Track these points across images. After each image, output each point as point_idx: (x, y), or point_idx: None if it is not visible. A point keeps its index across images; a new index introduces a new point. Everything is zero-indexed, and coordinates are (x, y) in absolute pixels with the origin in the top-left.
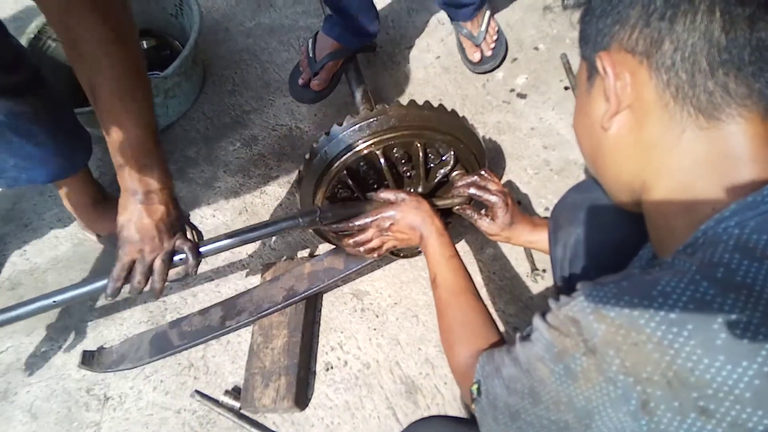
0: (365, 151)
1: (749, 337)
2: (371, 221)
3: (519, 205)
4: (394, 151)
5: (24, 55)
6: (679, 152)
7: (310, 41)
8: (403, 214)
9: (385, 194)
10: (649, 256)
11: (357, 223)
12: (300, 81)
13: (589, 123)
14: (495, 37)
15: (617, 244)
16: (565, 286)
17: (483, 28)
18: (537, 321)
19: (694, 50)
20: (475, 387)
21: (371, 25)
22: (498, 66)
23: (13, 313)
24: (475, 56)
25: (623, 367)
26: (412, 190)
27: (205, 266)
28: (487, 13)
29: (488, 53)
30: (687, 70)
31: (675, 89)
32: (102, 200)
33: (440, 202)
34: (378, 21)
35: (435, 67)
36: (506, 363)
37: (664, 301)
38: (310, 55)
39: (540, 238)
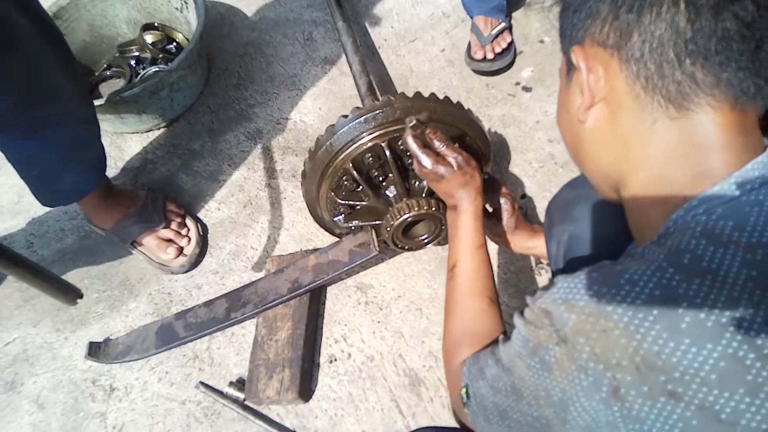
0: (370, 144)
1: (713, 321)
2: (420, 158)
3: (524, 198)
4: (400, 143)
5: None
6: (651, 143)
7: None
8: (450, 179)
9: (451, 153)
10: (637, 251)
11: (411, 146)
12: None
13: (568, 117)
14: (503, 47)
15: (610, 239)
16: None
17: (494, 33)
18: (516, 318)
19: (661, 41)
20: (464, 391)
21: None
22: (495, 73)
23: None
24: (478, 54)
25: (593, 355)
26: (418, 183)
27: (209, 258)
28: (503, 24)
29: (490, 55)
30: (655, 61)
31: (645, 80)
32: (108, 194)
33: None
34: None
35: (440, 60)
36: (489, 364)
37: (631, 288)
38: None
39: (538, 244)
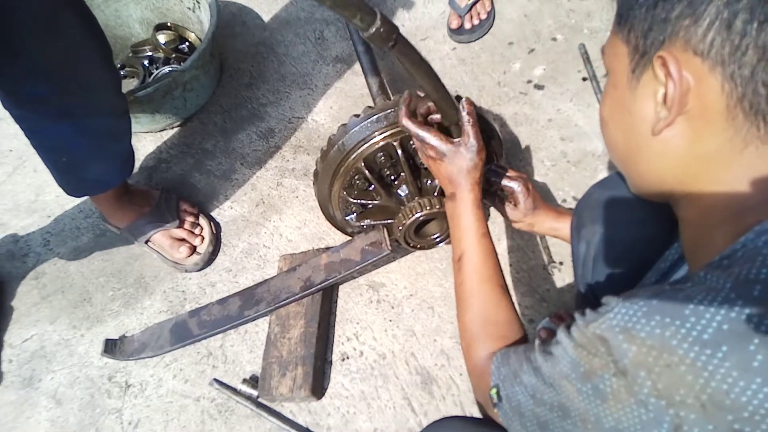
0: (382, 143)
1: None
2: (421, 135)
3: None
4: (412, 142)
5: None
6: (736, 166)
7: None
8: (452, 161)
9: (468, 120)
10: (675, 257)
11: (409, 126)
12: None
13: (629, 121)
14: (483, 17)
15: (643, 243)
16: (587, 289)
17: (470, 2)
18: (561, 336)
19: None
20: (494, 391)
21: None
22: (473, 41)
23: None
24: (454, 23)
25: (655, 390)
26: (430, 182)
27: (222, 256)
28: None
29: (467, 26)
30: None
31: (749, 104)
32: (124, 193)
33: None
34: None
35: (451, 59)
36: (525, 370)
37: (697, 320)
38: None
39: (564, 225)
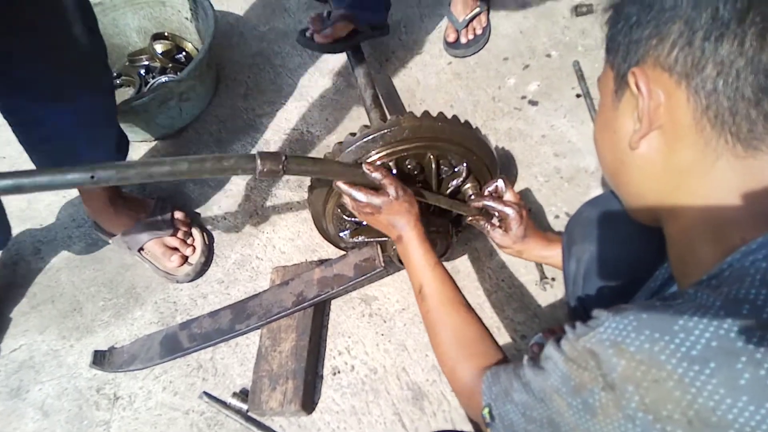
0: (378, 162)
1: None
2: (353, 195)
3: (530, 212)
4: (407, 162)
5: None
6: (710, 179)
7: (326, 12)
8: (389, 210)
9: (385, 180)
10: (665, 276)
11: (340, 186)
12: (307, 33)
13: (614, 139)
14: (478, 32)
15: (633, 261)
16: (577, 304)
17: (468, 17)
18: (551, 350)
19: (739, 76)
20: (486, 411)
21: (378, 5)
22: (468, 55)
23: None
24: (451, 37)
25: (642, 405)
26: (424, 202)
27: (215, 268)
28: (478, 9)
29: (463, 40)
30: (729, 97)
31: (714, 115)
32: (117, 201)
33: (458, 207)
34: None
35: (446, 73)
36: (516, 388)
37: (686, 337)
38: (324, 15)
39: (553, 253)
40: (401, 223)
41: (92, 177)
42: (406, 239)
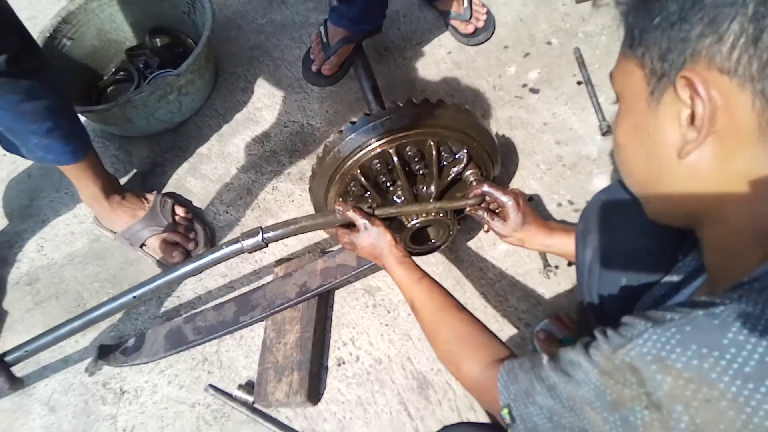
0: (379, 150)
1: None
2: (337, 234)
3: (531, 201)
4: (408, 149)
5: (35, 44)
6: (766, 186)
7: (322, 28)
8: (361, 243)
9: (350, 214)
10: (689, 270)
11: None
12: (313, 68)
13: (650, 145)
14: (484, 10)
15: (652, 250)
16: (591, 294)
17: (466, 4)
18: (580, 357)
19: None
20: (505, 411)
21: (380, 12)
22: (490, 37)
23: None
24: (469, 28)
25: (693, 425)
26: (425, 189)
27: None
28: None
29: (480, 25)
30: None
31: None
32: (116, 193)
33: (453, 203)
34: (386, 6)
35: (446, 63)
36: (538, 390)
37: (738, 352)
38: (324, 41)
39: (556, 242)
40: (376, 250)
41: (134, 297)
42: (388, 265)
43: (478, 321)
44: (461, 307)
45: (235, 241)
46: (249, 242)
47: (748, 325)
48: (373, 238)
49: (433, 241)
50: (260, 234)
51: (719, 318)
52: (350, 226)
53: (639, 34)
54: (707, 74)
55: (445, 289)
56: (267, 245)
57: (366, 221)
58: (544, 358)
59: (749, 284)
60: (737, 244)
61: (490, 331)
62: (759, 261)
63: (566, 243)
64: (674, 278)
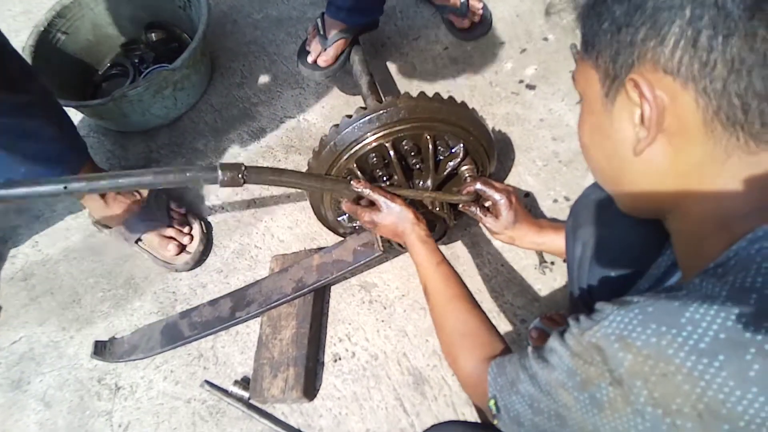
0: (375, 144)
1: None
2: (357, 212)
3: (527, 197)
4: (404, 143)
5: (31, 73)
6: (720, 177)
7: (319, 20)
8: (383, 221)
9: (369, 192)
10: (668, 263)
11: (349, 208)
12: (309, 59)
13: (608, 144)
14: (480, 6)
15: (640, 245)
16: (582, 289)
17: (463, 0)
18: (555, 343)
19: (751, 73)
20: (492, 403)
21: (377, 4)
22: (486, 32)
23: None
24: (465, 24)
25: (651, 399)
26: (422, 183)
27: (213, 257)
28: None
29: (477, 20)
30: (741, 95)
31: (725, 116)
32: (115, 192)
33: (447, 196)
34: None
35: (443, 59)
36: (522, 379)
37: (694, 329)
38: (321, 33)
39: (546, 240)
40: (399, 228)
41: (65, 188)
42: (410, 242)
43: (486, 319)
44: (473, 301)
45: (213, 168)
46: (228, 174)
47: (705, 304)
48: (395, 215)
49: None
50: (242, 169)
51: (680, 300)
52: (358, 201)
53: (591, 38)
54: (653, 75)
55: (461, 279)
56: (244, 183)
57: (387, 199)
58: (530, 349)
59: (713, 270)
60: (702, 234)
61: (496, 330)
62: (720, 249)
63: (556, 241)
64: (655, 272)
